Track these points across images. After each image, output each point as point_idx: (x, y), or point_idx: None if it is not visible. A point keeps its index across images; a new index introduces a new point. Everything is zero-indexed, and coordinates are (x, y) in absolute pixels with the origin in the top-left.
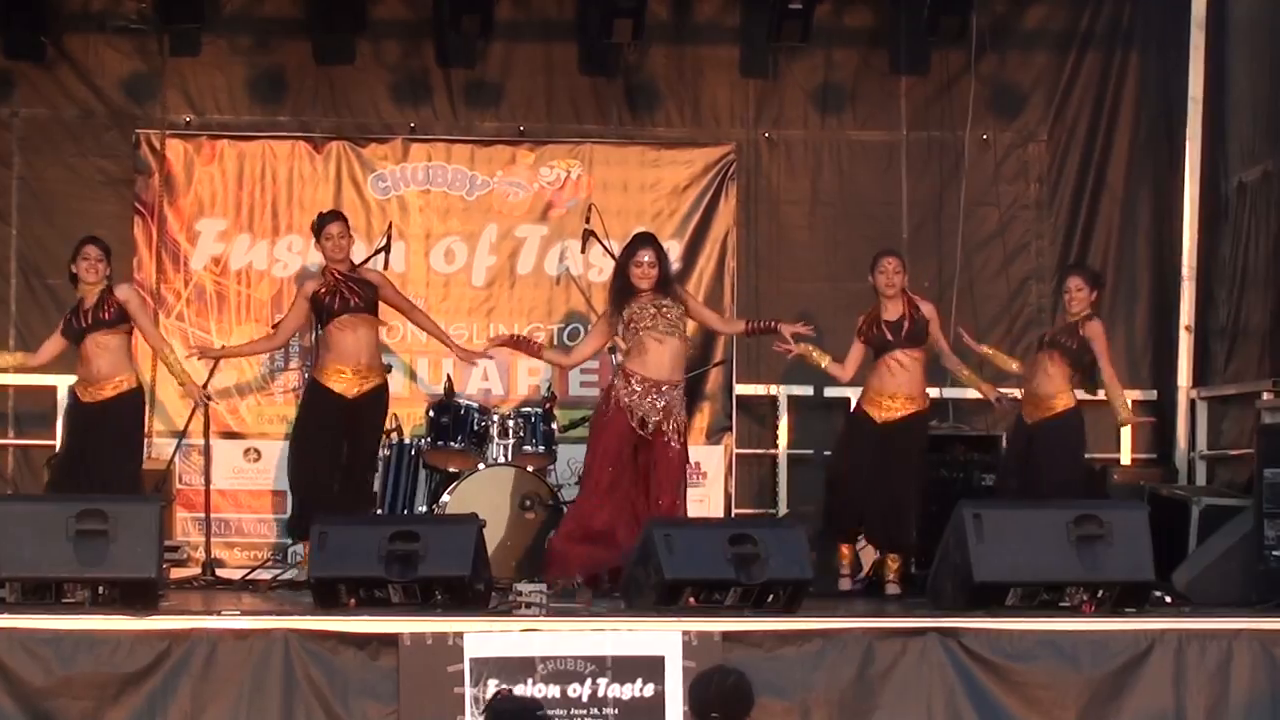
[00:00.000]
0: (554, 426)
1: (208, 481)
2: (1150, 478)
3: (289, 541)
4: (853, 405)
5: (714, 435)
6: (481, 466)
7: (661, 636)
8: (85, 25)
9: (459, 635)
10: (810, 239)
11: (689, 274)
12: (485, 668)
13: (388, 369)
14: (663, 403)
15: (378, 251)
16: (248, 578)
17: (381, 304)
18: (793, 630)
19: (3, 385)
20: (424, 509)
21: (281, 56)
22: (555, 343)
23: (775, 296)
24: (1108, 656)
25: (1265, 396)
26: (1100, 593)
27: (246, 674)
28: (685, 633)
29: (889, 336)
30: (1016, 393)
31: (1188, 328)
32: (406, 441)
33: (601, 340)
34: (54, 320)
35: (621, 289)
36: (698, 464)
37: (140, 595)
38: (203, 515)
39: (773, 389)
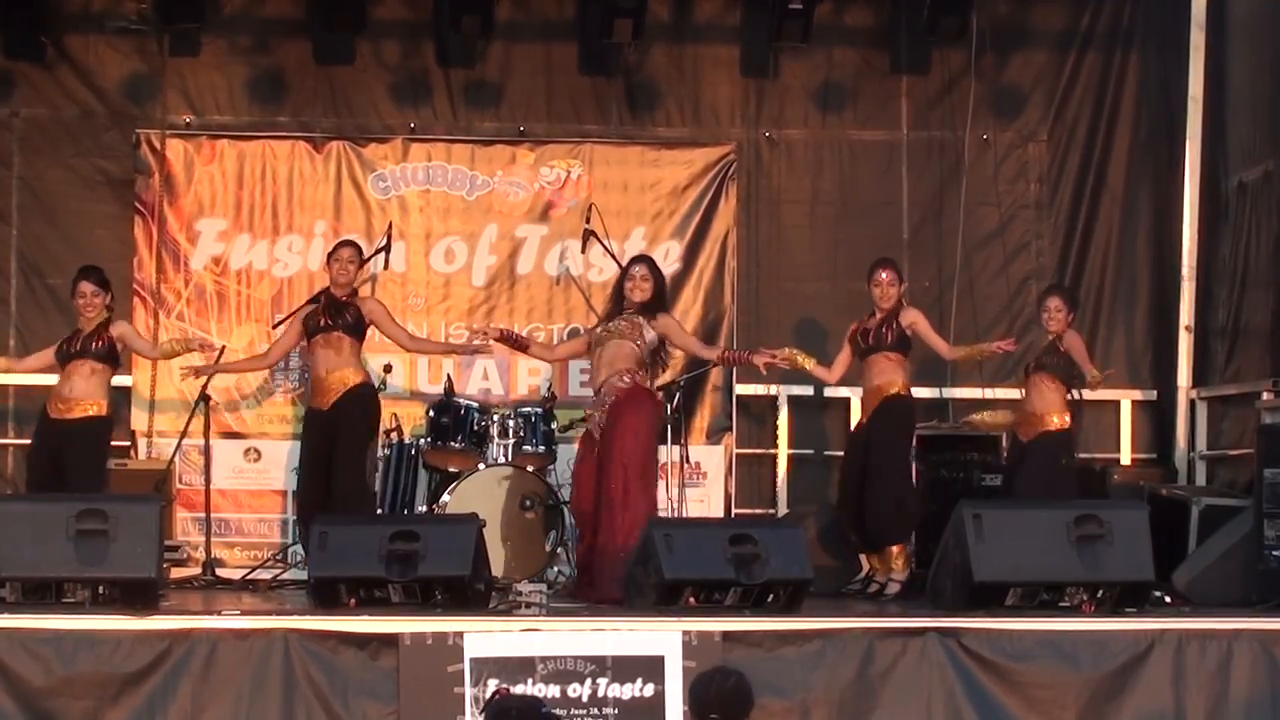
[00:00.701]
0: (554, 426)
1: (208, 481)
2: (1150, 478)
3: (290, 541)
4: (853, 404)
5: (714, 435)
6: (481, 466)
7: (661, 636)
8: (85, 25)
9: (459, 635)
10: (811, 238)
11: (689, 274)
12: (485, 668)
13: (387, 369)
14: (604, 406)
15: (378, 251)
16: (248, 578)
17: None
18: (793, 630)
19: (2, 385)
20: (424, 509)
21: (281, 56)
22: (556, 342)
23: (775, 296)
24: (1107, 656)
25: (1265, 396)
26: (1100, 593)
27: (246, 674)
28: (685, 633)
29: (863, 344)
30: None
31: (1188, 328)
32: (406, 441)
33: (578, 346)
34: (54, 320)
35: (612, 302)
36: (698, 464)
37: (140, 595)
38: (203, 515)
39: (773, 389)
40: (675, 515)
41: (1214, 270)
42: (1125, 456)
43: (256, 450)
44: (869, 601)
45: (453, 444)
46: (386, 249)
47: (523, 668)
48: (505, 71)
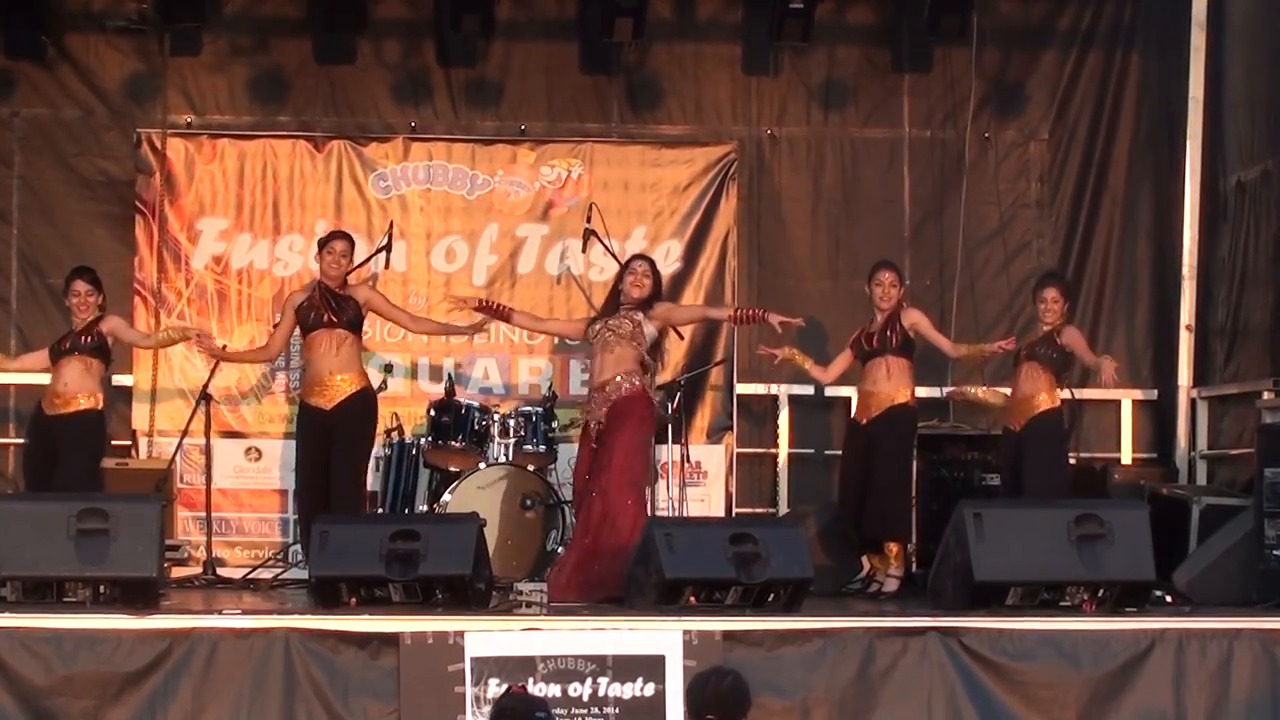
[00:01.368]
0: (554, 425)
1: (209, 480)
2: (1151, 477)
3: (290, 540)
4: (854, 404)
5: (715, 435)
6: (482, 466)
7: (662, 636)
8: (86, 25)
9: (460, 634)
10: (812, 236)
11: (690, 273)
12: (486, 667)
13: (388, 369)
14: (606, 406)
15: (379, 250)
16: (248, 577)
17: (377, 317)
18: (793, 630)
19: (3, 384)
20: (425, 508)
21: (282, 56)
22: (557, 342)
23: (777, 293)
24: (1108, 656)
25: (1265, 396)
26: (1101, 592)
27: (247, 673)
28: (686, 632)
29: (866, 346)
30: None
31: (1188, 327)
32: (407, 441)
33: (569, 328)
34: (54, 320)
35: (610, 299)
36: (698, 463)
37: (141, 594)
38: (204, 514)
39: (773, 388)
40: (676, 515)
41: (1213, 270)
42: (1126, 456)
43: (257, 449)
44: (869, 601)
45: (453, 443)
46: (387, 248)
47: (523, 667)
48: (506, 71)
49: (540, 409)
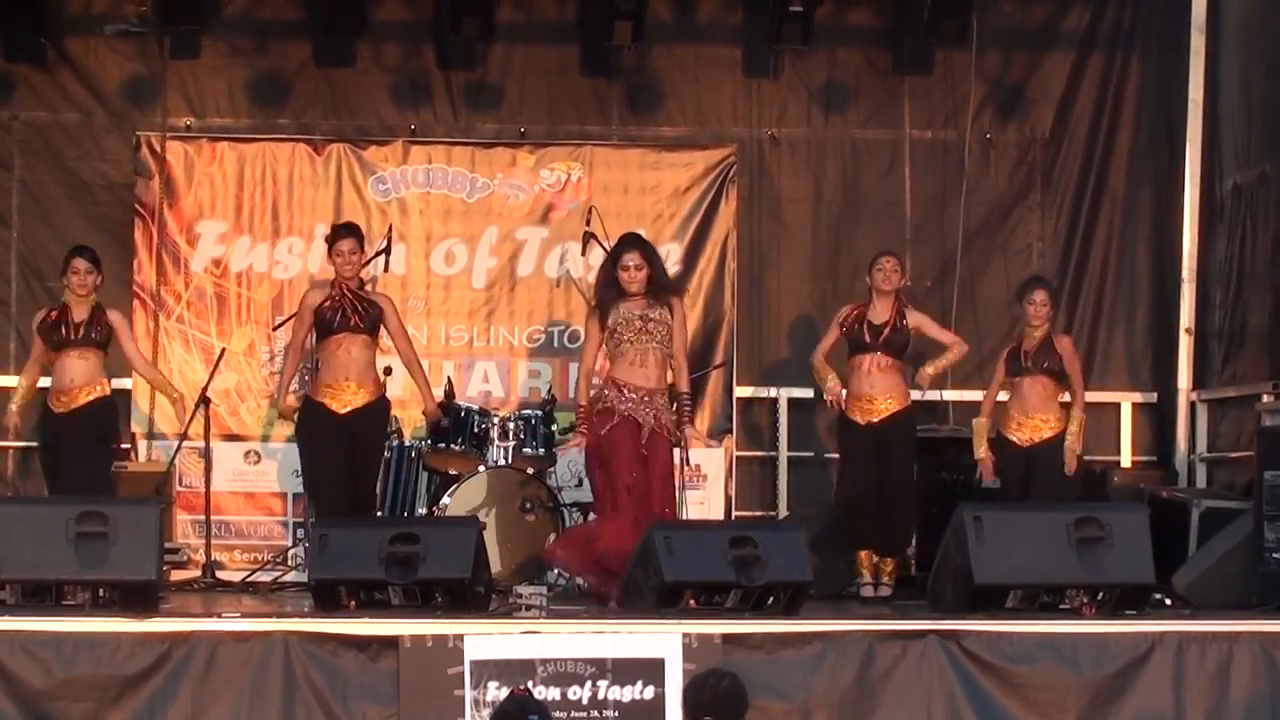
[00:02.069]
0: (554, 429)
1: (208, 484)
2: (1150, 480)
3: (290, 543)
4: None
5: (714, 437)
6: (482, 469)
7: (662, 639)
8: (85, 28)
9: (459, 637)
10: (813, 238)
11: (689, 276)
12: (485, 670)
13: (387, 371)
14: (653, 411)
15: (378, 254)
16: (248, 580)
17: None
18: (793, 633)
19: (3, 388)
20: (424, 511)
21: (281, 59)
22: (555, 345)
23: (778, 294)
24: (1108, 659)
25: (1265, 399)
26: (1100, 595)
27: (246, 676)
28: (685, 635)
29: (867, 338)
30: None
31: (1188, 330)
32: (407, 444)
33: (598, 340)
34: None
35: (607, 292)
36: (698, 466)
37: (140, 597)
38: (203, 517)
39: (773, 391)
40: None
41: (1210, 272)
42: (1125, 459)
43: (257, 453)
44: (866, 604)
45: (453, 446)
46: (386, 251)
47: (523, 670)
48: (505, 74)
49: (540, 412)
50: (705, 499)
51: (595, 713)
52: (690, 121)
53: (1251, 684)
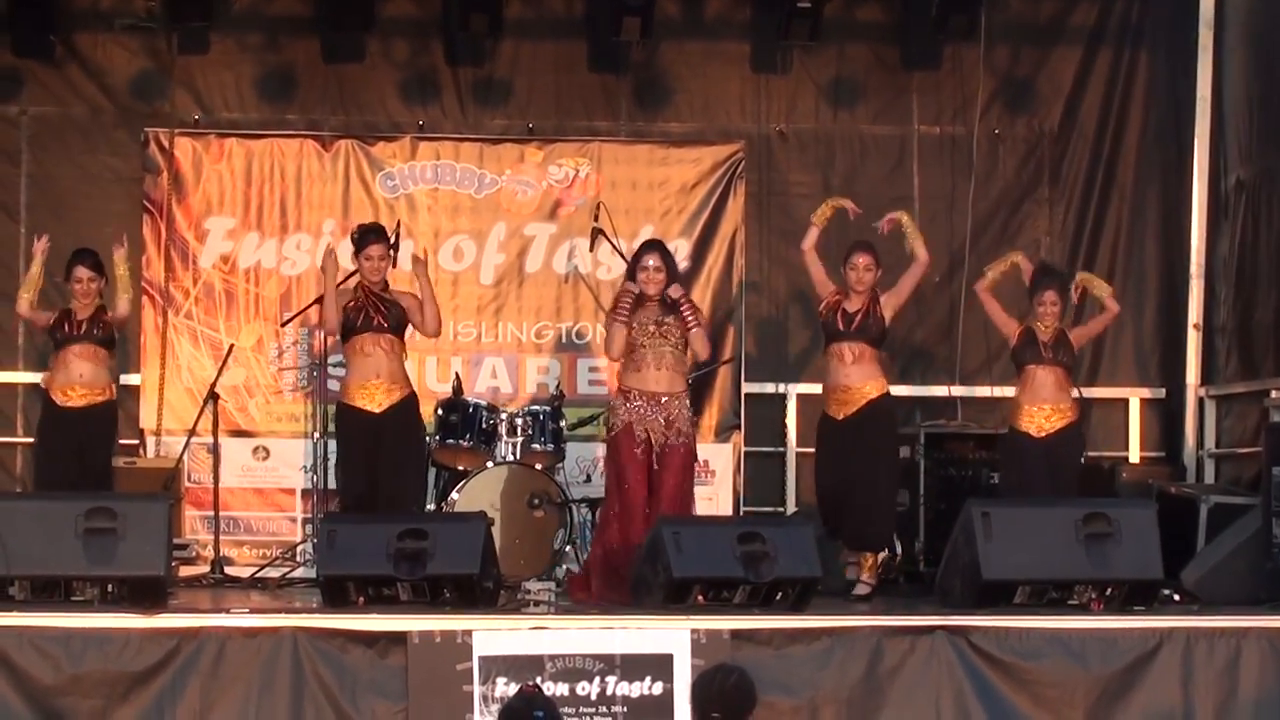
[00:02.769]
0: (562, 425)
1: (216, 479)
2: (1158, 476)
3: (299, 539)
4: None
5: (723, 433)
6: (490, 464)
7: (670, 635)
8: (94, 23)
9: (468, 633)
10: (821, 233)
11: (697, 272)
12: (494, 666)
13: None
14: (664, 416)
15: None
16: (256, 576)
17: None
18: (801, 629)
19: (11, 384)
20: (432, 507)
21: (290, 55)
22: (564, 341)
23: (786, 289)
24: (1116, 654)
25: (1274, 394)
26: (1109, 591)
27: (255, 672)
28: (694, 631)
29: (840, 326)
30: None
31: (1196, 326)
32: None
33: (625, 338)
34: None
35: (627, 296)
36: (706, 462)
37: (149, 593)
38: (211, 513)
39: (781, 387)
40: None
41: (1216, 268)
42: (1134, 454)
43: (265, 448)
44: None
45: (461, 442)
46: (395, 247)
47: (531, 666)
48: (514, 70)
49: (548, 408)
50: (714, 494)
51: (604, 708)
52: (698, 117)
53: (1260, 679)
